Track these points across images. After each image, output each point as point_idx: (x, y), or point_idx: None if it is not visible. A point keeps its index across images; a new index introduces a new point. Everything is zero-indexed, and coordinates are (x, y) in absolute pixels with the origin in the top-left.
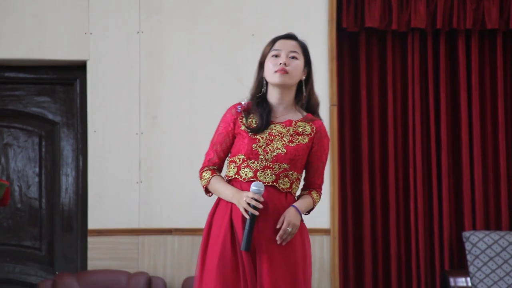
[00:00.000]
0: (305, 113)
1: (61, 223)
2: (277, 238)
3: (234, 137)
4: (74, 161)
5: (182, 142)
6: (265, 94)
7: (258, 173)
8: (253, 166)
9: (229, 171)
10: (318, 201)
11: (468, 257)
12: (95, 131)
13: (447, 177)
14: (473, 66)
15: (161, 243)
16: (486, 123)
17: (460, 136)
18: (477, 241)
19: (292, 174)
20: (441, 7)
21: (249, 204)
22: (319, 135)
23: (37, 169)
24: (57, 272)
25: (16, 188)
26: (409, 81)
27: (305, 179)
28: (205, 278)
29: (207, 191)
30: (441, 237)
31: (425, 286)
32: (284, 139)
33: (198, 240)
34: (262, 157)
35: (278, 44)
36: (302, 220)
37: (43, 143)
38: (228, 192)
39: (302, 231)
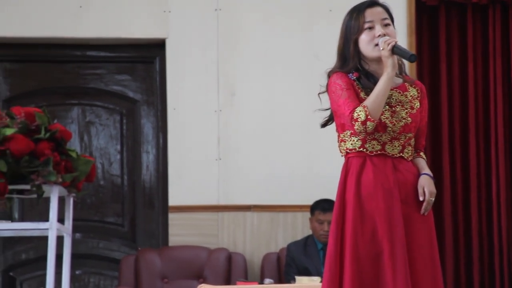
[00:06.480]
0: (400, 76)
1: (142, 199)
2: (422, 210)
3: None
4: (155, 138)
5: (260, 119)
6: (364, 69)
7: (386, 146)
8: (380, 139)
9: (351, 144)
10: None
11: None
12: (174, 109)
13: None
14: None
15: (240, 220)
16: None
17: None
18: None
19: (412, 141)
20: None
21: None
22: (423, 95)
23: (118, 147)
24: (139, 248)
25: (99, 165)
26: (490, 54)
27: None
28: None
29: (371, 119)
30: None
31: (507, 260)
32: (406, 106)
33: (277, 216)
34: (390, 129)
35: (369, 15)
36: None
37: (124, 121)
38: (380, 82)
39: None
